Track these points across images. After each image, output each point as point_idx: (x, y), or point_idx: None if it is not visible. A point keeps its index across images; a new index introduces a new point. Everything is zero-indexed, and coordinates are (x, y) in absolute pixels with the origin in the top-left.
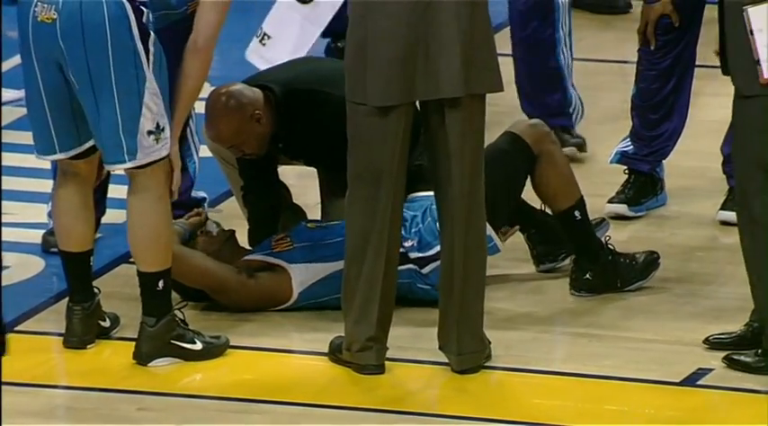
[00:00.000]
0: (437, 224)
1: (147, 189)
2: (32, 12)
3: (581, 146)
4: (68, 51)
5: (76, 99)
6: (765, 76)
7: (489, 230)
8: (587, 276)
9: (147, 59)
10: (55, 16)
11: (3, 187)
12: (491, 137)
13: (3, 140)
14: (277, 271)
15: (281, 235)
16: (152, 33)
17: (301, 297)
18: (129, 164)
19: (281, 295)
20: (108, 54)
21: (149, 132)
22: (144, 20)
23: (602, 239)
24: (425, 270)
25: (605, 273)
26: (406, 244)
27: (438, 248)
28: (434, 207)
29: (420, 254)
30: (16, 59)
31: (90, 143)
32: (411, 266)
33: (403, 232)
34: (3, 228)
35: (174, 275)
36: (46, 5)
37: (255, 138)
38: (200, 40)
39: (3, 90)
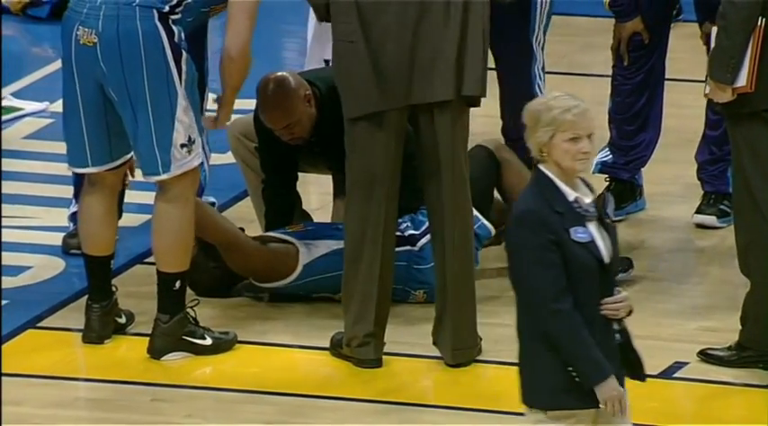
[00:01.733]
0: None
1: (176, 196)
2: (75, 35)
3: None
4: (108, 72)
5: (112, 116)
6: (705, 92)
7: (475, 212)
8: None
9: (180, 77)
10: (95, 40)
11: (26, 193)
12: None
13: (26, 149)
14: (286, 244)
15: (295, 223)
16: (184, 52)
17: (304, 272)
18: (163, 176)
19: (287, 265)
20: (143, 73)
21: (182, 145)
22: (176, 39)
23: None
24: (418, 245)
25: None
26: (401, 226)
27: (428, 224)
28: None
29: (414, 231)
30: (38, 74)
31: (121, 160)
32: (406, 247)
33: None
34: (26, 232)
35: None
36: (87, 29)
37: (307, 118)
38: (232, 51)
39: (27, 102)
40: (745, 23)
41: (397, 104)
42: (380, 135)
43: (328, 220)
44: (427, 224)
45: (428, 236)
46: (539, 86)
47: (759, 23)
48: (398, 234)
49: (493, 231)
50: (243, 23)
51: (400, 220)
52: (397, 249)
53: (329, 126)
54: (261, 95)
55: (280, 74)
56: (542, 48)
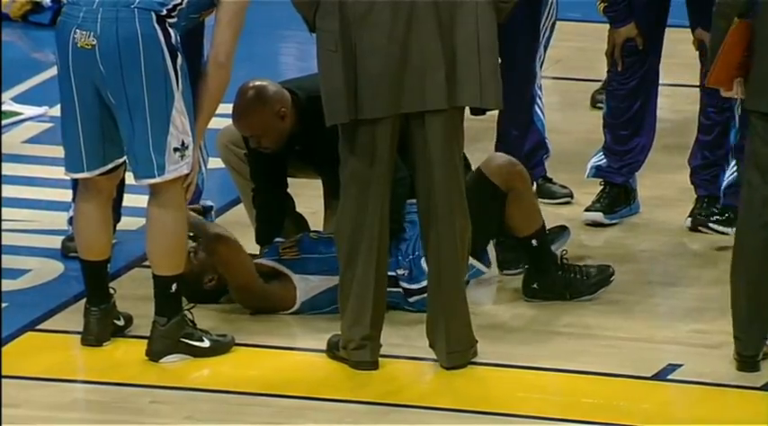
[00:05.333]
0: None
1: (169, 200)
2: (72, 39)
3: None
4: (107, 74)
5: (107, 122)
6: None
7: (471, 260)
8: (534, 286)
9: (177, 80)
10: (94, 42)
11: (25, 196)
12: (482, 147)
13: (25, 153)
14: (283, 280)
15: (290, 243)
16: (180, 56)
17: (303, 307)
18: (158, 179)
19: (286, 302)
20: (142, 75)
21: (175, 149)
22: (173, 42)
23: (558, 253)
24: (412, 299)
25: (553, 285)
26: (399, 272)
27: (425, 283)
28: None
29: (408, 286)
30: (37, 78)
31: (113, 164)
32: (399, 290)
33: (399, 256)
34: (25, 235)
35: (220, 262)
36: (85, 33)
37: (276, 133)
38: (221, 56)
39: (26, 106)
40: (717, 21)
41: (385, 113)
42: (374, 140)
43: (321, 223)
44: (423, 283)
45: (423, 296)
46: (539, 87)
47: (734, 22)
48: (393, 275)
49: (485, 270)
50: (232, 28)
51: (402, 261)
52: (390, 289)
53: (311, 135)
54: (237, 98)
55: (261, 83)
56: (545, 49)
